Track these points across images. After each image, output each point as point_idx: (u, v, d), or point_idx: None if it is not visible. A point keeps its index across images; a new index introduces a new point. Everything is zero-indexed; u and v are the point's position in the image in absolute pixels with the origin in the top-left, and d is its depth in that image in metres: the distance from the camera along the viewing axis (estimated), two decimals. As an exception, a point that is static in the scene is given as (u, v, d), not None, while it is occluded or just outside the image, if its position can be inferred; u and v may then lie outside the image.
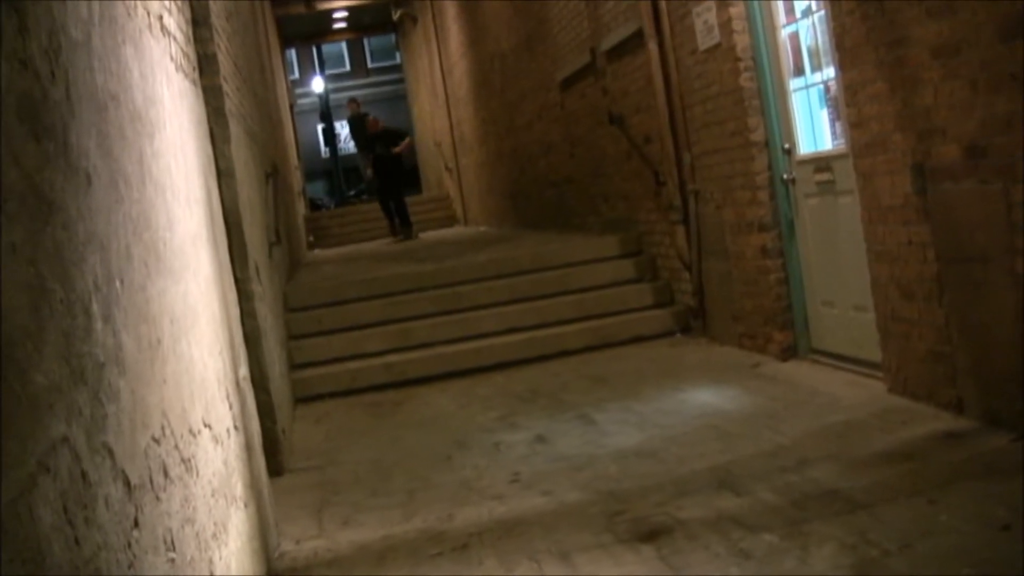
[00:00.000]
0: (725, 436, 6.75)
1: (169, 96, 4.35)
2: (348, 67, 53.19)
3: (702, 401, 7.87)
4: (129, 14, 3.62)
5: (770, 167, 8.47)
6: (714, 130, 9.13)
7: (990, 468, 5.25)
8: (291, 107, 29.13)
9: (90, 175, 2.73)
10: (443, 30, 23.26)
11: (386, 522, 6.07)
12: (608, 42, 11.32)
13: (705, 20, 8.88)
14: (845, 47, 6.80)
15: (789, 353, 8.60)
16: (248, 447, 5.41)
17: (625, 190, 11.80)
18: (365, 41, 50.75)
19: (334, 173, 44.80)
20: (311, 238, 23.45)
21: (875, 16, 6.35)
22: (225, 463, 4.44)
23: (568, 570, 4.89)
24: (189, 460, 3.55)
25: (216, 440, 4.29)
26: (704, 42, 8.97)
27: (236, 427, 5.04)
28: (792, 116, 8.22)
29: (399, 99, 41.76)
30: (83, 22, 2.89)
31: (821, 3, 7.40)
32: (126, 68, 3.42)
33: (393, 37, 37.63)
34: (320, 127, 47.90)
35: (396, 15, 29.42)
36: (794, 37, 8.13)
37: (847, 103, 6.94)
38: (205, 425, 4.05)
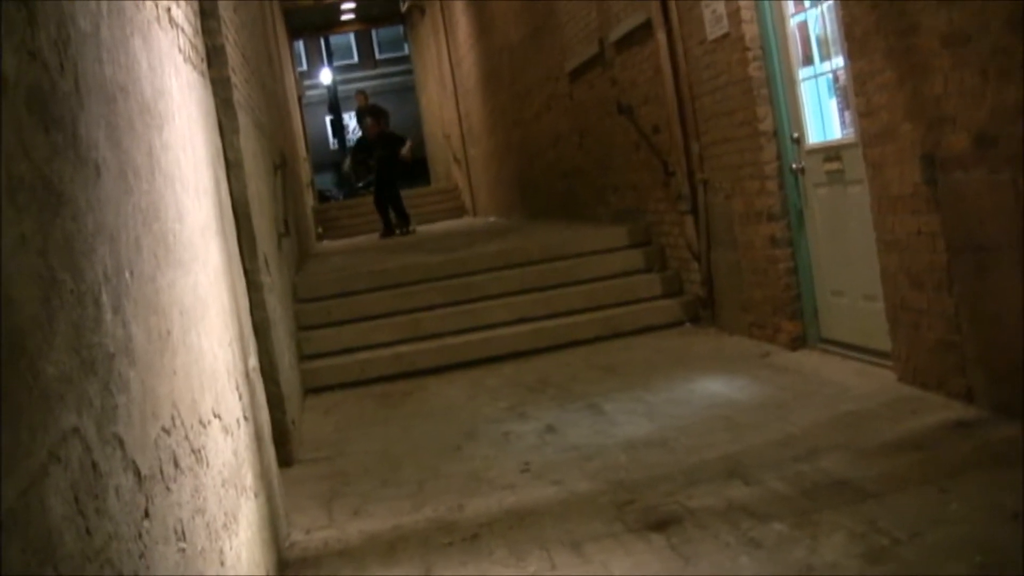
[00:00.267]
0: (735, 426, 6.74)
1: (178, 88, 4.35)
2: (356, 59, 53.16)
3: (712, 391, 7.86)
4: (137, 6, 3.62)
5: (779, 157, 8.46)
6: (723, 120, 9.11)
7: (1000, 457, 5.24)
8: (299, 99, 29.15)
9: (99, 166, 2.74)
10: (451, 21, 23.24)
11: (396, 512, 6.08)
12: (616, 32, 11.31)
13: (714, 10, 8.86)
14: (854, 36, 6.79)
15: (798, 343, 8.60)
16: (258, 438, 5.42)
17: (634, 180, 11.79)
18: (373, 33, 50.71)
19: (343, 165, 44.80)
20: (320, 229, 23.46)
21: (884, 5, 6.34)
22: (235, 453, 4.45)
23: (579, 560, 4.90)
24: (199, 451, 3.56)
25: (226, 431, 4.30)
26: (713, 32, 8.95)
27: (246, 418, 5.05)
28: (801, 105, 8.20)
29: (407, 90, 41.72)
30: (92, 14, 2.89)
31: (830, -8, 7.39)
32: (135, 60, 3.43)
33: (401, 28, 37.65)
34: (328, 119, 47.92)
35: (404, 6, 29.42)
36: (803, 26, 8.11)
37: (856, 92, 6.93)
38: (215, 416, 4.06)
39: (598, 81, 12.55)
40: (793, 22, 8.18)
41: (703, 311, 10.48)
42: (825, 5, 7.59)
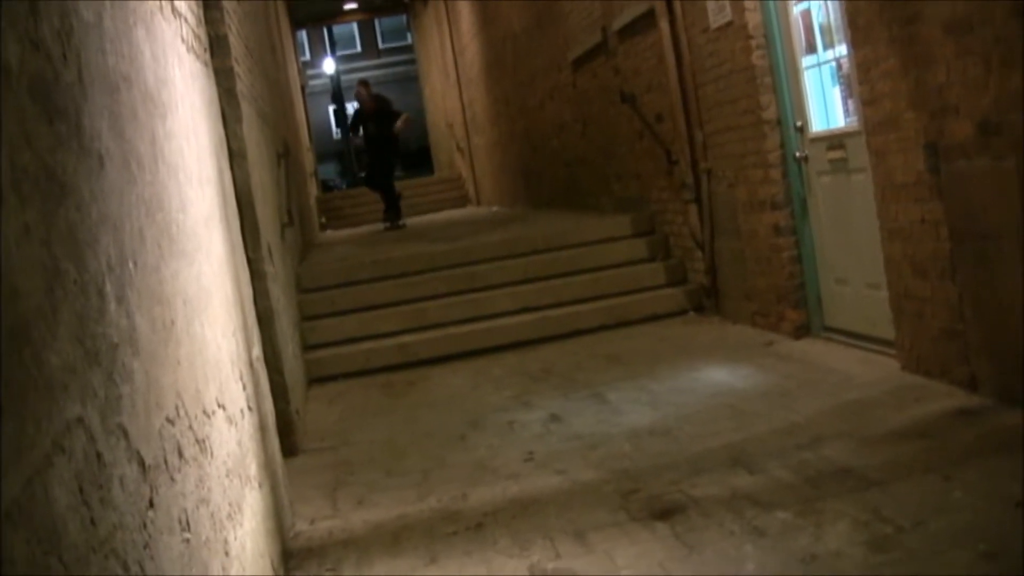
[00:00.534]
0: (739, 414, 6.75)
1: (181, 77, 4.35)
2: (359, 48, 53.17)
3: (715, 379, 7.87)
4: (140, -5, 3.62)
5: (782, 145, 8.45)
6: (726, 108, 9.10)
7: (1004, 445, 5.24)
8: (302, 89, 29.14)
9: (103, 157, 2.74)
10: (454, 11, 23.22)
11: (400, 502, 6.09)
12: (619, 21, 11.30)
13: (717, -2, 8.86)
14: (858, 24, 6.78)
15: (802, 331, 8.60)
16: (262, 427, 5.42)
17: (637, 169, 11.78)
18: (376, 22, 50.69)
19: (346, 154, 44.79)
20: (323, 219, 23.46)
21: (888, -8, 6.33)
22: (239, 443, 4.46)
23: (583, 549, 4.90)
24: (203, 441, 3.56)
25: (230, 421, 4.30)
26: (716, 20, 8.94)
27: (250, 408, 5.05)
28: (804, 94, 8.19)
29: (410, 80, 41.73)
30: (94, 4, 2.89)
31: (833, -20, 7.38)
32: (138, 50, 3.42)
33: (404, 18, 37.61)
34: (331, 108, 47.90)
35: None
36: (806, 14, 8.10)
37: (860, 81, 6.92)
38: (219, 406, 4.07)
39: (601, 70, 12.54)
40: (796, 10, 8.16)
41: (707, 300, 10.48)
42: (828, -7, 7.58)
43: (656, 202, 11.41)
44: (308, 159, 23.94)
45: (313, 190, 24.18)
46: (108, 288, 2.58)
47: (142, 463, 2.63)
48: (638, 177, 11.83)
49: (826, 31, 7.85)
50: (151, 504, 2.66)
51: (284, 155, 11.08)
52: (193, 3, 5.34)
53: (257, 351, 5.92)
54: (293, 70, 24.13)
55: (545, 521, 5.35)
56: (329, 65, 45.41)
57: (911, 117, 6.32)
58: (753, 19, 8.40)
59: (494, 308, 10.98)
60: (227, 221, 5.40)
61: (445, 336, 10.58)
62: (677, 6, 9.74)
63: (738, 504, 5.11)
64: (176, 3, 4.54)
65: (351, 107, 36.03)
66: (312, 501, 6.35)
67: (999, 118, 5.48)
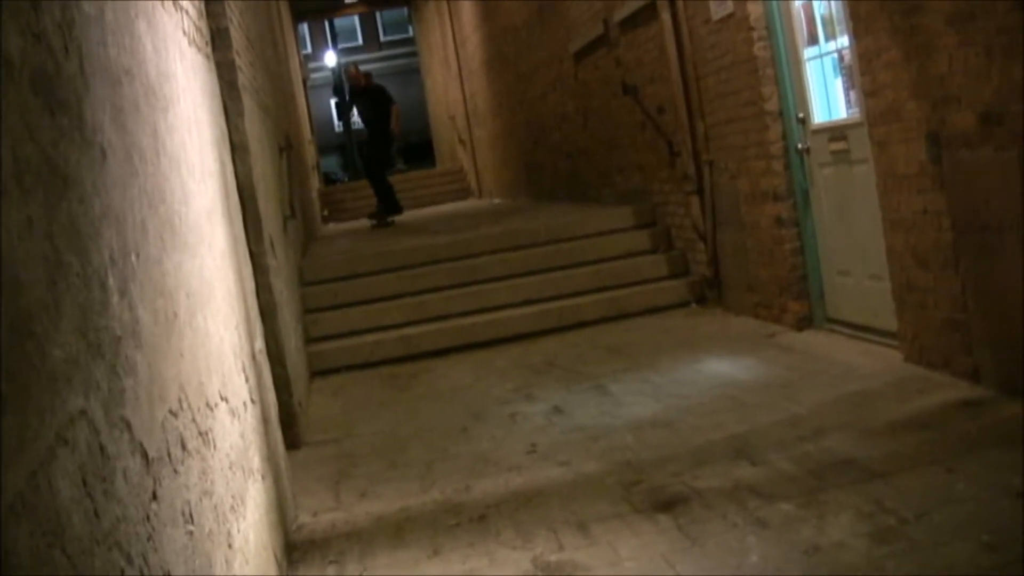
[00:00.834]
0: (741, 406, 6.75)
1: (182, 70, 4.35)
2: (361, 41, 53.14)
3: (718, 371, 7.87)
4: (141, -12, 3.61)
5: (784, 136, 8.45)
6: (728, 100, 9.10)
7: (1007, 436, 5.24)
8: (304, 82, 29.12)
9: (105, 149, 2.74)
10: (456, 3, 23.19)
11: (403, 494, 6.09)
12: (621, 13, 11.29)
13: (718, -11, 8.85)
14: (859, 15, 6.77)
15: (805, 323, 8.60)
16: (265, 420, 5.43)
17: (639, 161, 11.78)
18: (377, 15, 50.69)
19: (348, 147, 44.79)
20: (325, 212, 23.46)
21: (890, -17, 6.33)
22: (242, 436, 4.46)
23: (585, 540, 4.91)
24: (206, 433, 3.56)
25: (233, 413, 4.30)
26: (717, 12, 8.93)
27: (253, 400, 5.05)
28: (806, 85, 8.19)
29: (412, 72, 41.72)
30: (96, -4, 2.89)
31: (835, -29, 7.37)
32: (139, 42, 3.42)
33: (406, 10, 37.55)
34: (333, 101, 47.87)
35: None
36: (807, 6, 8.09)
37: (861, 71, 6.91)
38: (222, 398, 4.07)
39: (603, 62, 12.53)
40: (798, 1, 8.15)
41: (709, 291, 10.48)
42: (830, -16, 7.57)
43: (658, 194, 11.41)
44: (310, 152, 23.92)
45: (315, 183, 24.16)
46: (111, 281, 2.58)
47: (145, 455, 2.64)
48: (640, 169, 11.83)
49: (828, 22, 7.84)
50: (154, 496, 2.66)
51: (286, 148, 11.08)
52: (194, -4, 5.34)
53: (260, 344, 5.93)
54: (295, 63, 24.12)
55: (548, 513, 5.36)
56: (331, 58, 45.38)
57: (913, 108, 6.31)
58: (755, 10, 8.39)
59: (496, 300, 10.98)
60: (229, 214, 5.40)
61: (447, 328, 10.58)
62: (679, -3, 9.74)
63: (741, 496, 5.11)
64: (177, -4, 4.53)
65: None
66: (315, 493, 6.36)
67: (1001, 108, 5.48)
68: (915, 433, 5.61)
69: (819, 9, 7.94)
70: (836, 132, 7.82)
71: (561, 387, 8.11)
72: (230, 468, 3.97)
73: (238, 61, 7.17)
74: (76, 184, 2.42)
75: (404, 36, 48.92)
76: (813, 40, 8.11)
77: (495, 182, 22.08)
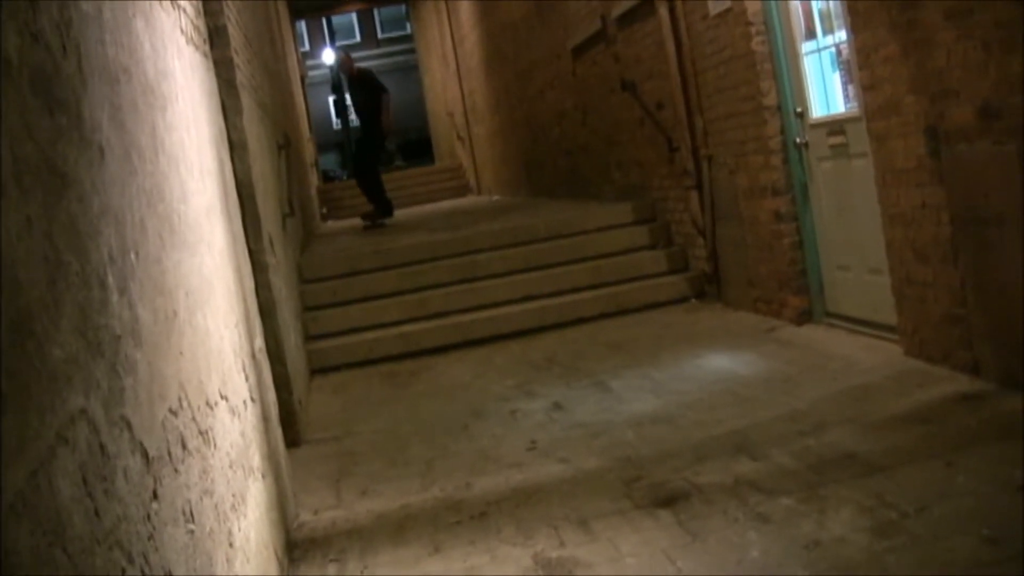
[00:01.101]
0: (741, 401, 6.75)
1: (180, 69, 4.35)
2: (359, 38, 53.13)
3: (718, 366, 7.87)
4: (139, -13, 3.61)
5: (783, 131, 8.44)
6: (726, 95, 9.10)
7: (1007, 430, 5.24)
8: (302, 79, 29.11)
9: (103, 148, 2.74)
10: (454, 0, 23.18)
11: (404, 492, 6.09)
12: (619, 9, 11.28)
13: (716, -16, 8.85)
14: (857, 9, 6.77)
15: (804, 317, 8.60)
16: (265, 418, 5.43)
17: (638, 157, 11.78)
18: (375, 12, 50.67)
19: (346, 145, 44.76)
20: (324, 210, 23.46)
21: (887, -23, 6.32)
22: (242, 435, 4.46)
23: (586, 537, 4.91)
24: (206, 432, 3.56)
25: (233, 412, 4.31)
26: (715, 7, 8.93)
27: (253, 399, 5.05)
28: (804, 80, 8.18)
29: (410, 69, 41.72)
30: (93, -5, 2.89)
31: (833, -35, 7.36)
32: (137, 41, 3.42)
33: (403, 7, 37.55)
34: (331, 99, 47.86)
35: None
36: (805, 0, 8.08)
37: (860, 66, 6.91)
38: (222, 397, 4.07)
39: (601, 58, 12.52)
40: (796, -4, 8.16)
41: (708, 287, 10.48)
42: (828, -21, 7.57)
43: (657, 189, 11.41)
44: (309, 150, 23.93)
45: (314, 180, 24.17)
46: (110, 280, 2.58)
47: (145, 455, 2.64)
48: (639, 165, 11.83)
49: (826, 16, 7.84)
50: (155, 495, 2.66)
51: (285, 146, 11.07)
52: (192, -6, 5.33)
53: (259, 342, 5.93)
54: (293, 61, 24.11)
55: (549, 510, 5.36)
56: (329, 55, 45.27)
57: (911, 102, 6.31)
58: (752, 5, 8.39)
59: (496, 297, 10.98)
60: (228, 212, 5.40)
61: (447, 325, 10.58)
62: (676, -7, 9.74)
63: (741, 491, 5.12)
64: (175, -6, 4.53)
65: (349, 98, 35.94)
66: (316, 491, 6.36)
67: (1000, 102, 5.48)
68: (915, 427, 5.61)
69: (817, 3, 7.94)
70: (835, 126, 7.82)
71: (561, 383, 8.12)
72: (230, 467, 3.97)
73: (236, 59, 7.17)
74: (75, 183, 2.42)
75: (402, 33, 48.91)
76: (811, 35, 8.11)
77: (494, 179, 22.08)
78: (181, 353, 3.33)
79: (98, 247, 2.52)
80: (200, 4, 5.75)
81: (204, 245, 4.23)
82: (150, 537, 2.54)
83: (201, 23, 5.63)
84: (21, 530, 1.77)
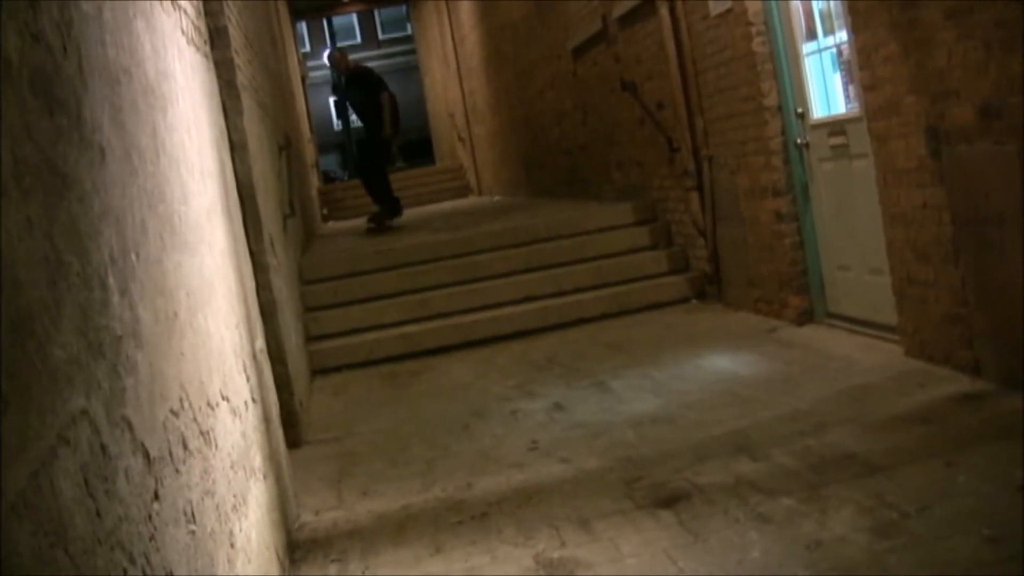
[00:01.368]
0: (742, 401, 6.75)
1: (181, 69, 4.35)
2: (359, 39, 53.12)
3: (719, 367, 7.87)
4: (139, -12, 3.61)
5: (783, 132, 8.44)
6: (727, 95, 9.10)
7: (1008, 429, 5.24)
8: (303, 80, 29.11)
9: (104, 149, 2.74)
10: (454, 1, 23.18)
11: (405, 492, 6.09)
12: (620, 9, 11.28)
13: (717, -15, 8.85)
14: (858, 10, 6.77)
15: (805, 318, 8.59)
16: (266, 419, 5.43)
17: (639, 157, 11.77)
18: (376, 13, 50.67)
19: (347, 145, 44.76)
20: (325, 210, 23.44)
21: (888, -23, 6.32)
22: (243, 435, 4.46)
23: (588, 537, 4.91)
24: (208, 433, 3.56)
25: (234, 412, 4.31)
26: (716, 7, 8.93)
27: (254, 399, 5.05)
28: (805, 80, 8.18)
29: (411, 70, 41.72)
30: (94, -4, 2.89)
31: (833, -35, 7.36)
32: (138, 42, 3.42)
33: (404, 8, 37.54)
34: (332, 100, 47.87)
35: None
36: (806, 1, 8.08)
37: (860, 66, 6.91)
38: (223, 398, 4.07)
39: (601, 58, 12.52)
40: (796, -4, 8.16)
41: (709, 287, 10.48)
42: (828, -21, 7.57)
43: (658, 190, 11.40)
44: (309, 150, 23.92)
45: (315, 181, 24.16)
46: (111, 280, 2.58)
47: (147, 455, 2.64)
48: (639, 165, 11.82)
49: (826, 17, 7.84)
50: (156, 496, 2.66)
51: (285, 147, 11.07)
52: (192, -5, 5.34)
53: (260, 343, 5.93)
54: (293, 61, 24.11)
55: (550, 510, 5.36)
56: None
57: (912, 102, 6.31)
58: (753, 6, 8.39)
59: (497, 297, 10.98)
60: (229, 213, 5.40)
61: (448, 326, 10.58)
62: (677, -7, 9.74)
63: (742, 491, 5.12)
64: (175, -5, 4.53)
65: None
66: (317, 492, 6.36)
67: (1000, 102, 5.48)
68: (916, 427, 5.61)
69: (817, 4, 7.93)
70: (835, 127, 7.82)
71: (562, 384, 8.12)
72: (232, 467, 3.97)
73: (237, 60, 7.17)
74: (75, 184, 2.42)
75: (403, 34, 48.89)
76: (812, 35, 8.11)
77: (495, 179, 22.08)
78: (182, 354, 3.33)
79: (99, 248, 2.53)
80: (201, 5, 5.76)
81: (205, 246, 4.23)
82: (151, 538, 2.54)
83: (202, 24, 5.63)
84: (22, 531, 1.78)
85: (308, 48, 47.71)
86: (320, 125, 40.66)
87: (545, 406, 7.49)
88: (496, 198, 20.90)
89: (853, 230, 7.76)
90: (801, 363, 7.44)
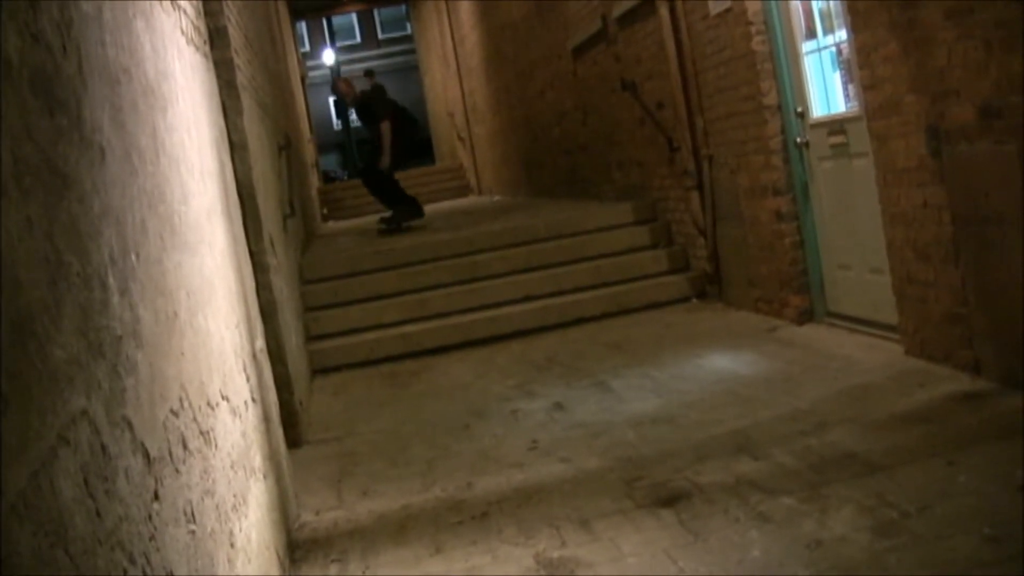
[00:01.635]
0: (742, 401, 6.75)
1: (181, 69, 4.35)
2: (359, 39, 53.14)
3: (719, 366, 7.87)
4: (139, -12, 3.61)
5: (783, 131, 8.44)
6: (727, 95, 9.10)
7: (1008, 429, 5.24)
8: (303, 80, 29.11)
9: (104, 149, 2.74)
10: (454, 1, 23.18)
11: (405, 492, 6.09)
12: (619, 9, 11.28)
13: (716, -16, 8.85)
14: (858, 9, 6.77)
15: (805, 317, 8.59)
16: (266, 419, 5.43)
17: (639, 156, 11.77)
18: (375, 12, 50.67)
19: (347, 145, 44.79)
20: (325, 210, 23.46)
21: (888, -23, 6.32)
22: (243, 435, 4.46)
23: (588, 537, 4.91)
24: (208, 432, 3.56)
25: (234, 412, 4.30)
26: (715, 7, 8.93)
27: (254, 399, 5.05)
28: (805, 79, 8.18)
29: (411, 70, 41.73)
30: (93, -4, 2.89)
31: (833, -35, 7.36)
32: (137, 42, 3.42)
33: (404, 8, 37.55)
34: (332, 99, 47.87)
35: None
36: (805, 0, 8.08)
37: (860, 65, 6.91)
38: (223, 397, 4.07)
39: (601, 58, 12.52)
40: (796, -4, 8.16)
41: (709, 286, 10.48)
42: (828, -22, 7.57)
43: (658, 189, 11.41)
44: (309, 150, 23.93)
45: (315, 181, 24.17)
46: (111, 280, 2.58)
47: (147, 455, 2.64)
48: (639, 164, 11.83)
49: (826, 16, 7.84)
50: (156, 496, 2.66)
51: (285, 147, 11.08)
52: (192, -5, 5.33)
53: (260, 343, 5.93)
54: (293, 61, 24.11)
55: (550, 509, 5.35)
56: (329, 56, 45.32)
57: (912, 101, 6.31)
58: (752, 5, 8.39)
59: (497, 297, 10.98)
60: (229, 213, 5.40)
61: (448, 326, 10.58)
62: (677, -7, 9.74)
63: (743, 490, 5.11)
64: (175, -5, 4.53)
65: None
66: (317, 492, 6.36)
67: (1000, 101, 5.47)
68: (916, 426, 5.61)
69: (817, 3, 7.93)
70: (835, 126, 7.82)
71: (562, 384, 8.11)
72: (232, 467, 3.97)
73: (236, 60, 7.17)
74: (75, 184, 2.42)
75: (402, 34, 48.90)
76: (811, 34, 8.10)
77: (494, 179, 22.08)
78: (182, 354, 3.33)
79: (99, 248, 2.52)
80: (200, 5, 5.75)
81: (205, 246, 4.23)
82: (151, 537, 2.54)
83: (201, 24, 5.63)
84: (23, 531, 1.78)
85: (308, 48, 47.72)
86: (320, 125, 40.69)
87: (545, 406, 7.49)
88: (496, 198, 20.90)
89: (853, 229, 7.76)
90: (801, 362, 7.44)
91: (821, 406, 6.31)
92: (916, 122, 6.30)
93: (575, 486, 5.67)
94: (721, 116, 9.32)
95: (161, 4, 4.07)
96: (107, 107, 2.84)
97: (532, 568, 4.68)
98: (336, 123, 48.84)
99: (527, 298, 10.93)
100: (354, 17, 51.76)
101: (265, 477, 4.93)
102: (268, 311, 6.92)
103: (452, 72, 25.11)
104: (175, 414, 3.06)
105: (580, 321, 10.52)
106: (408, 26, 41.86)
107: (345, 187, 28.48)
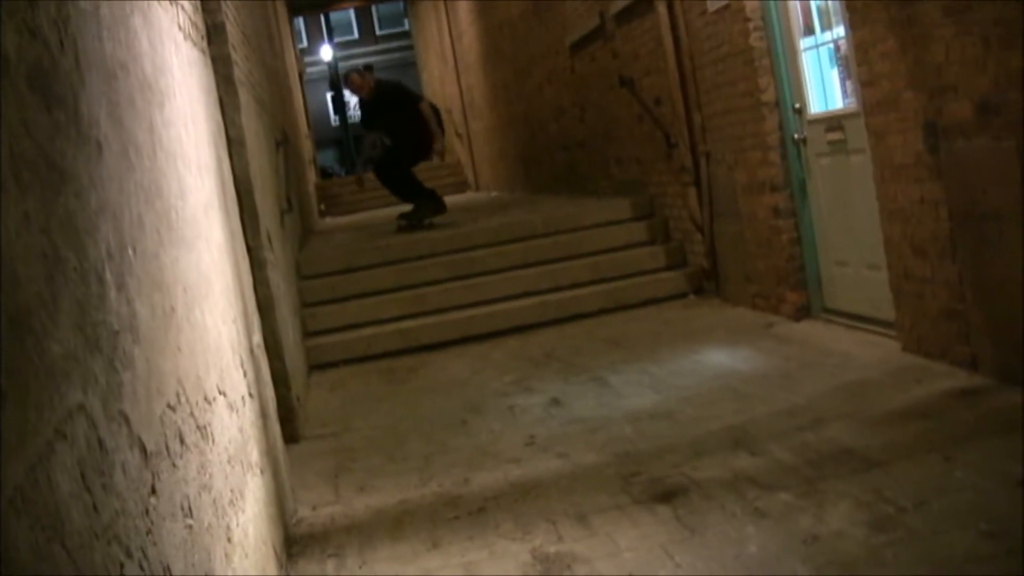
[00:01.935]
0: (740, 396, 6.75)
1: (178, 65, 4.35)
2: (357, 35, 53.10)
3: (716, 362, 7.87)
4: (137, -17, 3.61)
5: (781, 127, 8.44)
6: (725, 91, 9.10)
7: (1005, 424, 5.25)
8: (300, 76, 29.09)
9: (101, 144, 2.74)
10: (451, -5, 23.20)
11: (402, 487, 6.09)
12: (617, 5, 11.28)
13: (714, -20, 8.85)
14: (856, 6, 6.77)
15: (803, 313, 8.60)
16: (263, 414, 5.43)
17: (636, 153, 11.78)
18: (373, 8, 50.63)
19: (344, 141, 44.79)
20: (322, 206, 23.44)
21: (885, -27, 6.32)
22: (240, 430, 4.46)
23: (585, 532, 4.91)
24: (205, 427, 3.56)
25: (231, 407, 4.31)
26: (713, 3, 8.93)
27: (251, 394, 5.05)
28: (802, 76, 8.18)
29: (408, 66, 41.66)
30: (91, -9, 2.89)
31: (831, -39, 7.36)
32: (135, 37, 3.42)
33: (401, 4, 37.54)
34: (329, 95, 47.84)
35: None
36: (804, -4, 8.10)
37: (858, 61, 6.91)
38: (220, 392, 4.07)
39: (599, 54, 12.52)
40: (794, -8, 8.16)
41: (707, 283, 10.48)
42: (826, -26, 7.57)
43: (655, 185, 11.41)
44: (307, 146, 23.92)
45: (312, 177, 24.15)
46: (108, 275, 2.58)
47: (144, 449, 2.64)
48: (637, 161, 11.83)
49: (824, 12, 7.84)
50: (153, 490, 2.66)
51: (283, 142, 11.07)
52: (190, -10, 5.33)
53: (258, 338, 5.93)
54: (291, 57, 24.09)
55: (547, 505, 5.36)
56: (327, 52, 45.34)
57: (910, 97, 6.31)
58: (750, 2, 8.39)
59: (494, 293, 10.98)
60: (226, 208, 5.40)
61: (445, 321, 10.58)
62: (675, -11, 9.74)
63: (740, 486, 5.12)
64: (173, -10, 4.53)
65: (348, 93, 35.73)
66: (314, 487, 6.36)
67: (998, 98, 5.48)
68: (913, 422, 5.62)
69: (815, 0, 7.93)
70: (833, 122, 7.82)
71: (559, 379, 8.12)
72: (229, 462, 3.97)
73: (234, 55, 7.16)
74: (73, 179, 2.42)
75: (400, 30, 48.87)
76: (809, 31, 8.11)
77: (492, 175, 22.07)
78: (179, 349, 3.33)
79: (96, 243, 2.53)
80: (198, 1, 5.75)
81: (202, 241, 4.23)
82: (148, 532, 2.54)
83: (199, 19, 5.63)
84: (20, 525, 1.78)
85: (305, 44, 47.68)
86: (317, 121, 40.66)
87: (542, 401, 7.50)
88: (494, 194, 20.90)
89: (850, 225, 7.77)
90: (798, 359, 7.45)
91: (818, 402, 6.31)
92: (914, 118, 6.30)
93: (572, 481, 5.67)
94: (719, 112, 9.32)
95: (159, 0, 4.07)
96: (104, 102, 2.84)
97: (529, 563, 4.68)
98: (334, 119, 48.79)
99: (524, 294, 10.93)
100: (352, 13, 51.73)
101: (262, 472, 4.93)
102: (265, 306, 6.92)
103: (450, 68, 25.10)
104: (172, 409, 3.06)
105: (577, 317, 10.51)
106: (406, 22, 41.87)
107: (342, 183, 28.44)
